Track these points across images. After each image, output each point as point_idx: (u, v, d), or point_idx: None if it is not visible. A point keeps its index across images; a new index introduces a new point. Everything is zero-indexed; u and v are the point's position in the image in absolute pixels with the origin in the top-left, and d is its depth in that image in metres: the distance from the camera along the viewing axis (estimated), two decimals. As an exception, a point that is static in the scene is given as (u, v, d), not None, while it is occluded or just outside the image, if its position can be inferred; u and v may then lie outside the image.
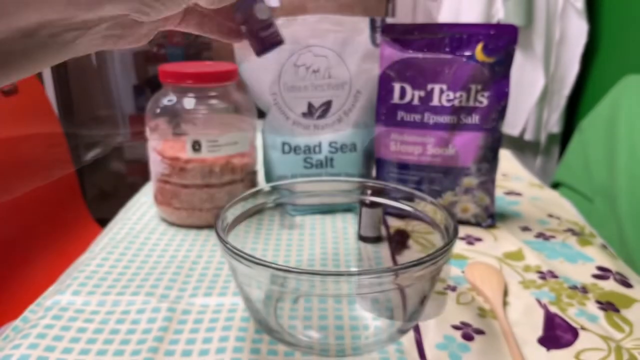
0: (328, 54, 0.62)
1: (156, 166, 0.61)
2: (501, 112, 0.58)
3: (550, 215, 0.66)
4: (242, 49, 0.62)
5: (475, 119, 0.59)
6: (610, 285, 0.49)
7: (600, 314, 0.44)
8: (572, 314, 0.44)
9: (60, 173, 0.96)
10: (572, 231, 0.61)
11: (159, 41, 1.93)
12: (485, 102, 0.58)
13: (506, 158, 0.93)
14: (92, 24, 0.23)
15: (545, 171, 1.66)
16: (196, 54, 1.97)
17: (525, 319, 0.44)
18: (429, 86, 0.59)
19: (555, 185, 1.07)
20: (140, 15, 0.24)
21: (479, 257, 0.54)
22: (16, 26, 0.20)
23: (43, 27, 0.21)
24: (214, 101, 0.60)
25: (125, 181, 1.81)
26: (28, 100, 0.99)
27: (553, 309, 0.45)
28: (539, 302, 0.46)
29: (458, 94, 0.58)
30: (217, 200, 0.60)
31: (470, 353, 0.39)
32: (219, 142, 0.59)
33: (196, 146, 0.58)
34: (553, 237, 0.60)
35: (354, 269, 0.54)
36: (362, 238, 0.55)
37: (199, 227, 0.61)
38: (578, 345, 0.40)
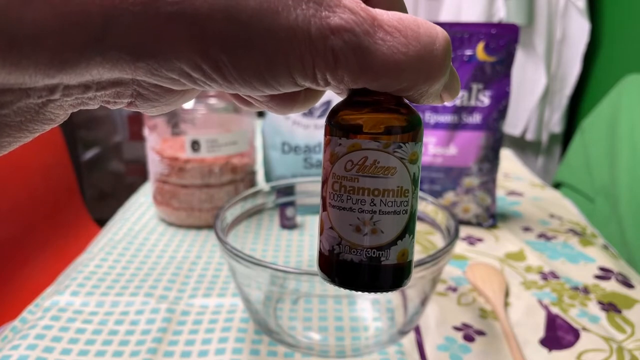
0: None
1: (155, 166, 0.60)
2: (502, 112, 0.58)
3: (552, 216, 0.66)
4: None
5: (476, 118, 0.59)
6: (611, 285, 0.49)
7: (601, 314, 0.44)
8: (573, 315, 0.44)
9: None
10: (573, 231, 0.61)
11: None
12: (486, 101, 0.58)
13: (507, 158, 0.93)
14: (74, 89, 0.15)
15: (546, 171, 1.66)
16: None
17: (526, 319, 0.43)
18: (430, 85, 0.59)
19: (556, 185, 1.07)
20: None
21: (480, 258, 0.54)
22: None
23: None
24: (213, 100, 0.60)
25: (124, 181, 1.81)
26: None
27: (554, 310, 0.45)
28: (540, 302, 0.46)
29: (459, 94, 0.58)
30: (216, 200, 0.60)
31: (471, 354, 0.39)
32: (218, 141, 0.58)
33: (195, 146, 0.58)
34: (554, 237, 0.59)
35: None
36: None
37: (198, 228, 0.61)
38: (579, 346, 0.40)
